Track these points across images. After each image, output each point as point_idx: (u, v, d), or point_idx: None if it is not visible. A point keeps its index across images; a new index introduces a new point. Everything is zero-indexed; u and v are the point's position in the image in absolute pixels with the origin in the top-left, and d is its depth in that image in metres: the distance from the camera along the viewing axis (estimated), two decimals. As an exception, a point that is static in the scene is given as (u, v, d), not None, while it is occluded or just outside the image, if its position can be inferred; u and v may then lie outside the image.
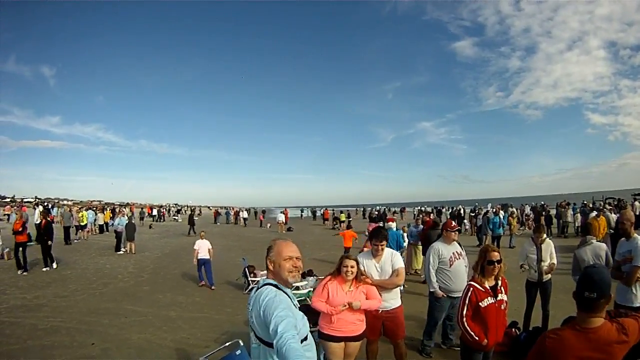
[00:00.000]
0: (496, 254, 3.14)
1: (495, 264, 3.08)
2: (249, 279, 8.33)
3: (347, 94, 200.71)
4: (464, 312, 3.07)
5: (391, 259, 3.93)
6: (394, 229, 8.47)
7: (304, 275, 7.94)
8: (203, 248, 9.07)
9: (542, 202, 24.83)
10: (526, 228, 19.44)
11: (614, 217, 11.75)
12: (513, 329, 4.90)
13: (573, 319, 1.89)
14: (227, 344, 3.39)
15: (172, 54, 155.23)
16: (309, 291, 6.88)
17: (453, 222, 5.09)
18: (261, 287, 1.99)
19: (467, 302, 3.07)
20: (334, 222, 27.80)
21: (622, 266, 3.91)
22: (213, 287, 8.77)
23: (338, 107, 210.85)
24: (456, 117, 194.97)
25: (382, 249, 3.94)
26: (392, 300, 3.90)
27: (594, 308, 1.77)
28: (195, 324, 6.22)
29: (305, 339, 1.88)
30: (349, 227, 13.04)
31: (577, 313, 1.85)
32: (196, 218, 28.32)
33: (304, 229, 26.85)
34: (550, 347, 1.85)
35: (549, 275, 5.15)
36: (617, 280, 3.85)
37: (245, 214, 35.58)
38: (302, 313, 1.97)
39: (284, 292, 1.95)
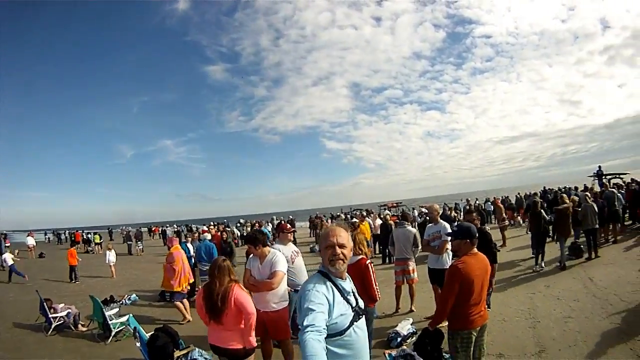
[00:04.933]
0: None
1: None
2: (50, 315, 6.57)
3: (90, 102, 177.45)
4: (376, 285, 3.94)
5: (271, 262, 3.96)
6: (208, 241, 8.38)
7: (107, 303, 7.52)
8: None
9: (290, 216, 28.72)
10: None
11: (375, 222, 15.15)
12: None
13: None
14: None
15: None
16: (129, 317, 5.86)
17: (289, 225, 5.69)
18: (315, 273, 1.97)
19: (374, 276, 3.97)
20: (86, 245, 25.45)
21: (431, 242, 5.60)
22: None
23: (79, 116, 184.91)
24: (198, 137, 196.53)
25: (258, 252, 4.04)
26: (273, 303, 3.94)
27: (472, 242, 3.08)
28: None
29: (341, 333, 1.78)
30: (73, 244, 13.69)
31: (463, 248, 3.10)
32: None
33: (56, 254, 22.40)
34: (462, 270, 2.96)
35: None
36: (429, 252, 5.65)
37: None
38: (348, 305, 1.85)
39: (332, 281, 1.87)
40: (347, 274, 1.97)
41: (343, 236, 1.91)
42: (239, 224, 26.31)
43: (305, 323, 1.60)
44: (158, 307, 8.07)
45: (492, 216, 19.96)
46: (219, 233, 11.23)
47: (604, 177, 20.37)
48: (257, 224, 20.62)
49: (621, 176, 19.79)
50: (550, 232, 9.76)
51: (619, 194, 11.17)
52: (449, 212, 14.89)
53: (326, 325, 1.65)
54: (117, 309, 6.84)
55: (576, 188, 19.96)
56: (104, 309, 6.13)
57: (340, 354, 1.77)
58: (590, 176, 22.19)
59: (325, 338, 1.61)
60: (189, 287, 6.96)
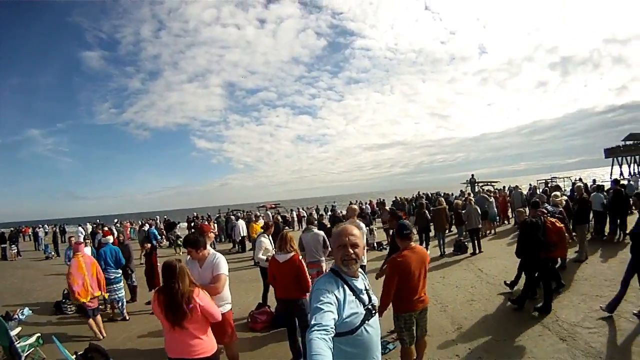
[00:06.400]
0: None
1: None
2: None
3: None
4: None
5: (213, 265, 3.81)
6: (111, 244, 7.64)
7: (6, 319, 6.19)
8: None
9: (166, 217, 29.55)
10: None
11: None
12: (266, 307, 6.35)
13: None
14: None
15: None
16: (38, 338, 5.27)
17: (212, 226, 6.00)
18: (327, 272, 1.96)
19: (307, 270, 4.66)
20: None
21: None
22: None
23: None
24: (66, 127, 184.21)
25: (199, 255, 3.82)
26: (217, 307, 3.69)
27: (410, 238, 3.64)
28: None
29: (352, 332, 1.78)
30: None
31: (402, 244, 3.62)
32: None
33: None
34: (401, 262, 3.46)
35: None
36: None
37: None
38: (360, 303, 1.85)
39: (344, 280, 1.87)
40: (360, 271, 1.99)
41: (356, 235, 1.91)
42: (118, 225, 26.50)
43: (312, 322, 1.59)
44: (58, 322, 7.09)
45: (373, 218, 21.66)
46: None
47: (476, 184, 24.11)
48: (147, 224, 19.86)
49: (493, 184, 23.80)
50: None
51: (490, 199, 13.50)
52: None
53: (335, 325, 1.63)
54: (19, 328, 5.81)
55: (445, 194, 23.33)
56: (9, 330, 5.04)
57: (350, 352, 1.77)
58: (463, 183, 26.23)
59: (335, 337, 1.60)
60: (93, 301, 5.95)
